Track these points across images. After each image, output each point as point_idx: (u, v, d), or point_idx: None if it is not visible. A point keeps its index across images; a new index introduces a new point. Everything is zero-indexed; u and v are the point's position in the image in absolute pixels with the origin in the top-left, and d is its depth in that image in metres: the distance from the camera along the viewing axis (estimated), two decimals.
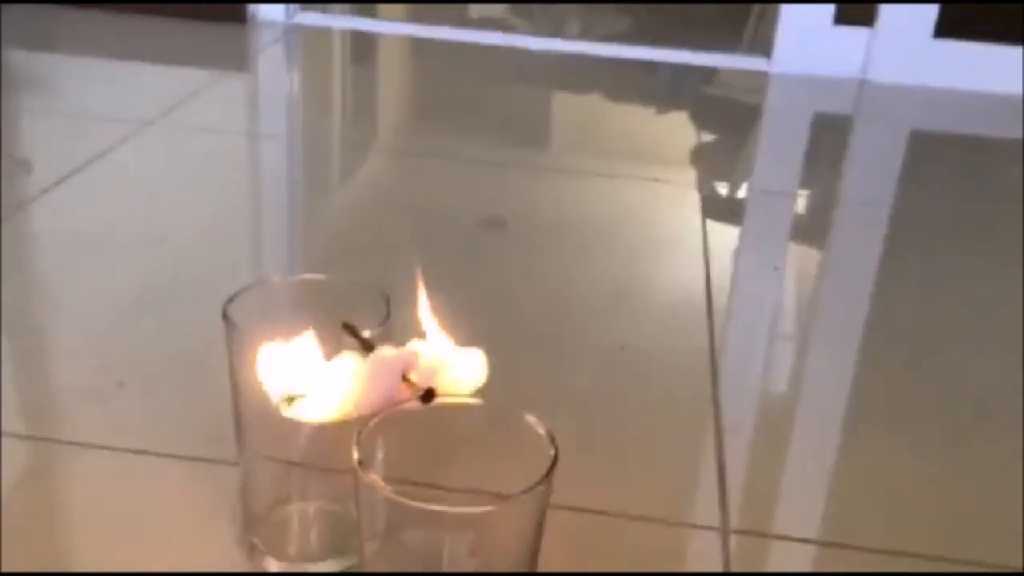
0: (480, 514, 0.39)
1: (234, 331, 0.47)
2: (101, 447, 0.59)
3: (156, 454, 0.58)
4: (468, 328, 0.45)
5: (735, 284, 0.88)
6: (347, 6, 1.95)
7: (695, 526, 0.56)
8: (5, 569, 0.44)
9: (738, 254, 0.95)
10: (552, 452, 0.39)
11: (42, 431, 0.61)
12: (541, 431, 0.40)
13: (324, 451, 0.49)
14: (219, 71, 1.38)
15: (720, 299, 0.83)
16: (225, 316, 0.47)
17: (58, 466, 0.59)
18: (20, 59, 1.36)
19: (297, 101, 1.37)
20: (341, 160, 1.19)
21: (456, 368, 0.43)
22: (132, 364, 0.67)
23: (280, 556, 0.51)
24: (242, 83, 1.40)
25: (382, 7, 2.08)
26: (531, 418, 0.40)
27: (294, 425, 0.44)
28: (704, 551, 0.55)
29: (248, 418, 0.49)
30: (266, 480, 0.51)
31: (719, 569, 0.53)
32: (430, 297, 0.45)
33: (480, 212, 0.98)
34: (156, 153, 1.06)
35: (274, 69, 1.48)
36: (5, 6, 1.50)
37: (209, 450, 0.58)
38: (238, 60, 1.46)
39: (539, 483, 0.38)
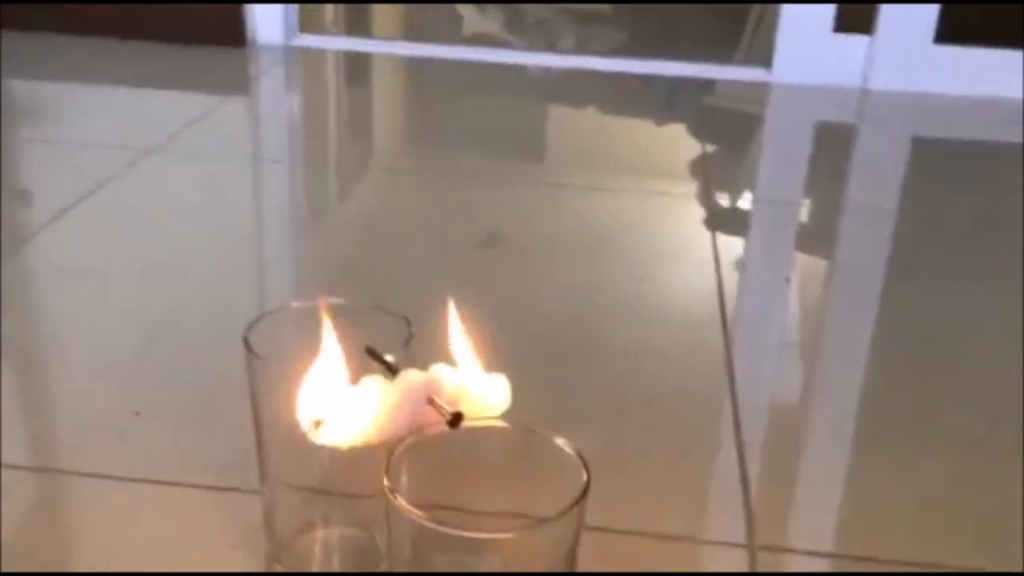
0: (512, 539, 0.38)
1: (255, 358, 0.46)
2: (118, 478, 0.58)
3: (175, 484, 0.58)
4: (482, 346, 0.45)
5: (745, 295, 0.88)
6: (343, 28, 1.96)
7: (722, 543, 0.56)
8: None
9: (746, 265, 0.95)
10: (584, 476, 0.38)
11: (56, 463, 0.61)
12: (571, 453, 0.40)
13: (347, 477, 0.49)
14: (220, 95, 1.38)
15: (731, 311, 0.82)
16: (246, 343, 0.47)
17: (74, 499, 0.58)
18: (19, 88, 1.36)
19: (297, 123, 1.37)
20: (341, 181, 1.19)
21: (480, 392, 0.42)
22: (146, 394, 0.67)
23: None
24: (243, 107, 1.40)
25: (377, 26, 2.09)
26: (560, 440, 0.40)
27: (317, 451, 0.44)
28: (732, 568, 0.54)
29: (271, 445, 0.48)
30: (290, 507, 0.51)
31: None
32: (460, 321, 0.44)
33: (480, 229, 0.98)
34: (158, 181, 1.06)
35: (274, 92, 1.48)
36: (4, 33, 1.50)
37: (229, 479, 0.57)
38: (239, 84, 1.46)
39: (572, 506, 0.37)
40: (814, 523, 0.58)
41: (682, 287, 0.90)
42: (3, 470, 0.58)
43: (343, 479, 0.49)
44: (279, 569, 0.51)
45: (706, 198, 1.11)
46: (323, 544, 0.52)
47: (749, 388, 0.71)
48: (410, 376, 0.41)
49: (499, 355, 0.44)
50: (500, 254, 0.94)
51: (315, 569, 0.51)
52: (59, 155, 1.11)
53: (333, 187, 1.17)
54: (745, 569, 0.54)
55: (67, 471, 0.60)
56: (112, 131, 1.19)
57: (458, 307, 0.45)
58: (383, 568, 0.42)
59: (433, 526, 0.37)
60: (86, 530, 0.56)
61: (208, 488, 0.57)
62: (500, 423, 0.42)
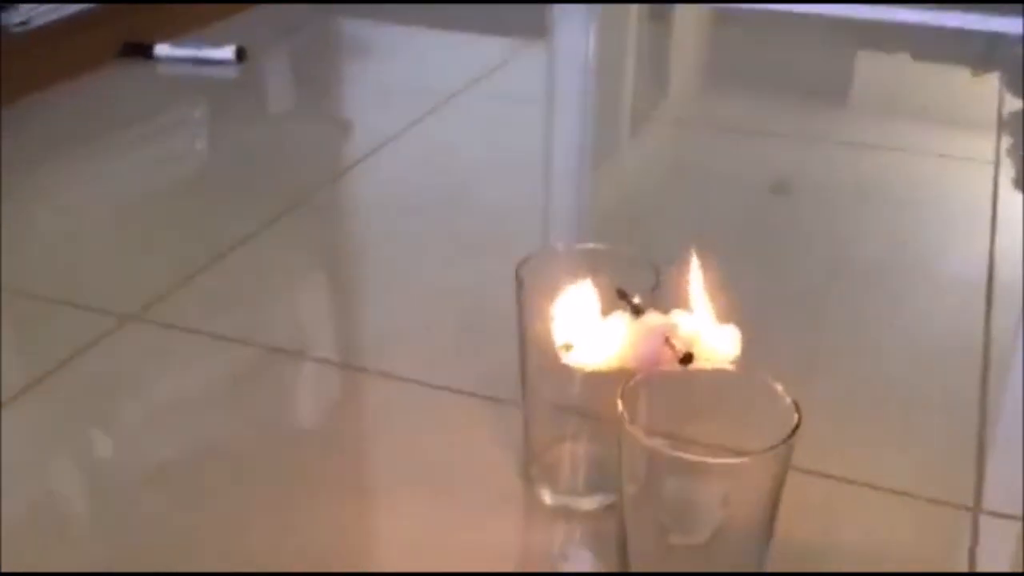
0: (729, 465, 0.43)
1: (523, 290, 0.54)
2: (408, 380, 0.69)
3: (454, 390, 0.67)
4: (738, 296, 0.50)
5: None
6: None
7: (945, 503, 0.58)
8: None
9: None
10: (796, 418, 0.43)
11: (358, 362, 0.72)
12: (787, 399, 0.44)
13: (594, 400, 0.55)
14: (522, 39, 1.46)
15: (1004, 277, 0.81)
16: (517, 276, 0.54)
17: (369, 393, 0.69)
18: (348, 26, 1.51)
19: (593, 69, 1.43)
20: (634, 126, 1.24)
21: (712, 340, 0.47)
22: (438, 310, 0.77)
23: (553, 488, 0.58)
24: (542, 50, 1.48)
25: None
26: (778, 386, 0.45)
27: (571, 375, 0.51)
28: (951, 529, 0.57)
29: (532, 366, 0.56)
30: (544, 422, 0.58)
31: (965, 548, 0.55)
32: (703, 271, 0.50)
33: (768, 178, 1.00)
34: (462, 121, 1.16)
35: (573, 35, 1.55)
36: None
37: (499, 391, 0.65)
38: (539, 28, 1.54)
39: (784, 442, 0.42)
40: None
41: (956, 249, 0.89)
42: (314, 364, 0.70)
43: (590, 401, 0.56)
44: (533, 471, 0.59)
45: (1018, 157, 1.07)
46: (570, 457, 0.59)
47: (1003, 357, 0.72)
48: (651, 317, 0.47)
49: (752, 302, 0.48)
50: (783, 204, 0.97)
51: (562, 477, 0.59)
52: (377, 95, 1.24)
53: (625, 131, 1.23)
54: (966, 531, 0.56)
55: (365, 369, 0.71)
56: (424, 74, 1.31)
57: (717, 250, 0.50)
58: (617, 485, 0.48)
59: (657, 447, 0.43)
60: (373, 418, 0.67)
61: (482, 397, 0.66)
62: (727, 366, 0.47)
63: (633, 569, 0.48)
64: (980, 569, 0.54)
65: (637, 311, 0.48)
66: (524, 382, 0.57)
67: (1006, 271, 0.83)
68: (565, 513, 0.57)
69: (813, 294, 0.80)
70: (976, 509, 0.57)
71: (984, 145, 1.09)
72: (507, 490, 0.59)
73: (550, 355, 0.50)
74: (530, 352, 0.55)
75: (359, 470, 0.62)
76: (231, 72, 1.25)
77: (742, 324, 0.49)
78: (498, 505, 0.58)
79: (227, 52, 1.24)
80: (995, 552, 0.56)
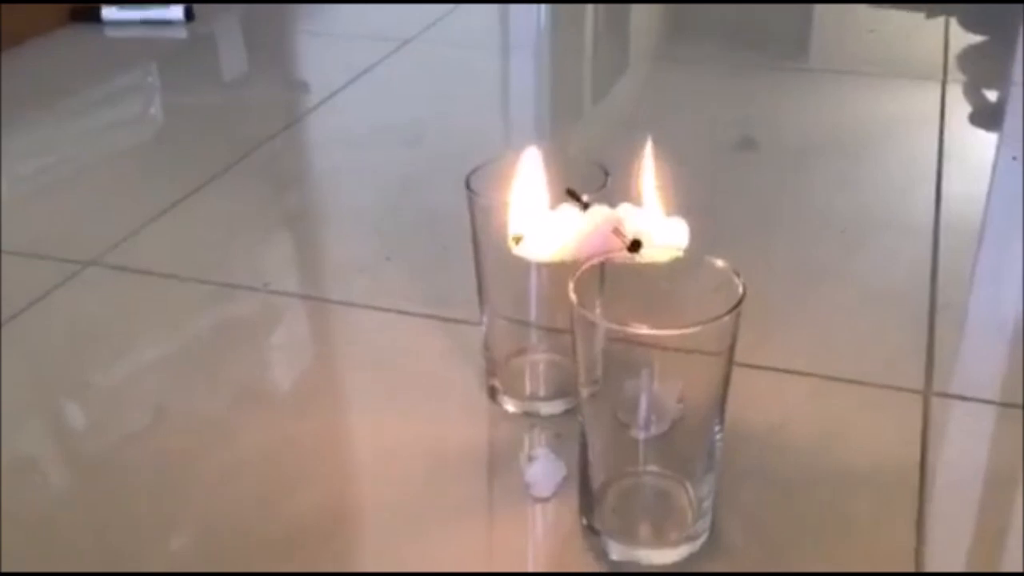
0: (676, 337, 0.44)
1: (474, 198, 0.55)
2: (370, 307, 0.69)
3: (414, 314, 0.68)
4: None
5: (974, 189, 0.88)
6: None
7: (897, 388, 0.60)
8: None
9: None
10: (740, 289, 0.44)
11: (321, 293, 0.73)
12: (733, 275, 0.45)
13: (549, 312, 0.57)
14: None
15: (953, 200, 0.83)
16: (467, 186, 0.55)
17: (333, 322, 0.70)
18: None
19: (548, 15, 1.43)
20: (591, 75, 1.25)
21: (661, 231, 0.49)
22: (395, 241, 0.77)
23: (516, 396, 0.59)
24: None
25: None
26: (724, 264, 0.46)
27: (525, 273, 0.52)
28: (903, 411, 0.58)
29: (487, 275, 0.57)
30: (503, 335, 0.59)
31: (918, 429, 0.57)
32: (655, 167, 0.51)
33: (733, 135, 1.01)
34: (415, 67, 1.16)
35: None
36: None
37: (456, 312, 0.67)
38: None
39: (729, 312, 0.43)
40: (996, 376, 0.61)
41: (905, 168, 0.91)
42: (279, 296, 0.71)
43: (547, 314, 0.57)
44: (495, 383, 0.60)
45: (973, 94, 1.09)
46: (531, 366, 0.60)
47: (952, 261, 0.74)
48: (599, 209, 0.48)
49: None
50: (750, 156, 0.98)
51: (525, 384, 0.60)
52: (330, 46, 1.24)
53: (587, 79, 1.23)
54: (917, 413, 0.58)
55: (327, 299, 0.72)
56: (375, 24, 1.31)
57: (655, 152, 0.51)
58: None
59: (612, 325, 0.44)
60: (336, 347, 0.68)
61: (441, 319, 0.67)
62: (673, 252, 0.48)
63: (593, 465, 0.49)
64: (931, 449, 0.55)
65: (584, 206, 0.49)
66: (481, 294, 0.58)
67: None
68: (528, 420, 0.58)
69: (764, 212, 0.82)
70: (926, 392, 0.59)
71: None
72: (472, 403, 0.60)
73: (503, 259, 0.51)
74: (484, 260, 0.56)
75: (328, 393, 0.63)
76: (180, 32, 1.24)
77: (691, 218, 0.51)
78: (464, 416, 0.59)
79: (176, 12, 1.24)
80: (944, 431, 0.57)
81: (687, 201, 0.52)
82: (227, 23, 1.30)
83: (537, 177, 0.50)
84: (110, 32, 1.25)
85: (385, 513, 0.53)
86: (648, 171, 0.51)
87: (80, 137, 0.99)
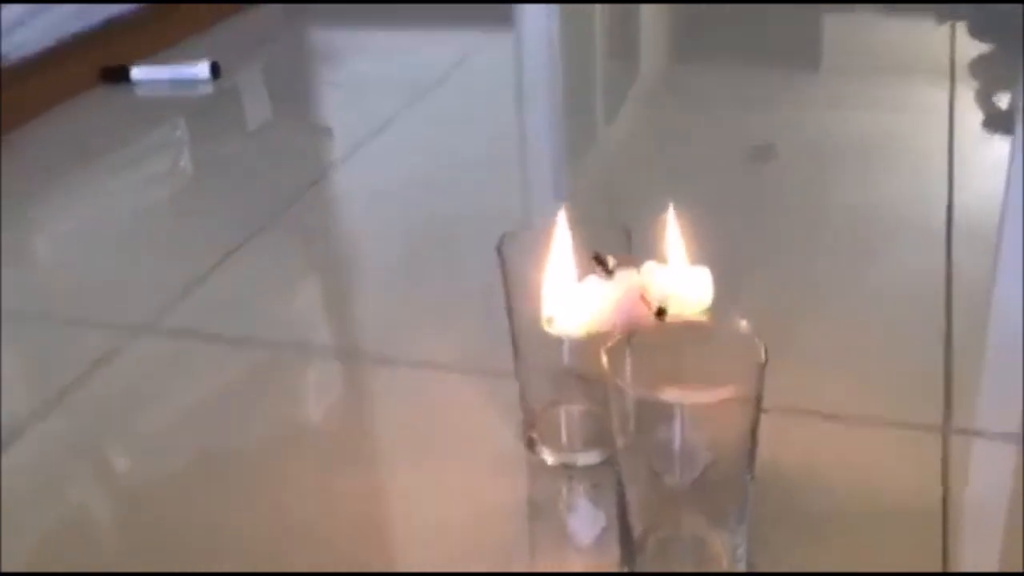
0: (704, 405, 0.47)
1: (506, 265, 0.58)
2: (407, 363, 0.73)
3: (451, 369, 0.71)
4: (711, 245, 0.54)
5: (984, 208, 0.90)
6: None
7: (916, 426, 0.62)
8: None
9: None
10: (763, 357, 0.47)
11: (358, 351, 0.76)
12: (755, 341, 0.48)
13: (583, 363, 0.59)
14: (489, 29, 1.49)
15: (964, 221, 0.86)
16: (499, 252, 0.58)
17: (371, 380, 0.73)
18: (318, 34, 1.54)
19: (559, 49, 1.46)
20: (606, 102, 1.28)
21: (685, 287, 0.51)
22: (429, 294, 0.81)
23: (553, 447, 0.62)
24: (509, 39, 1.51)
25: None
26: (747, 330, 0.49)
27: (558, 342, 0.55)
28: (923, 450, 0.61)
29: (521, 337, 0.60)
30: (538, 387, 0.62)
31: (936, 468, 0.59)
32: (677, 221, 0.54)
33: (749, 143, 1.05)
34: (434, 116, 1.19)
35: (538, 20, 1.57)
36: None
37: (493, 365, 0.69)
38: (504, 17, 1.56)
39: (751, 382, 0.46)
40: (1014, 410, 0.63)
41: (918, 191, 0.93)
42: (316, 356, 0.75)
43: (579, 364, 0.60)
44: (533, 435, 0.63)
45: (984, 100, 1.11)
46: (567, 417, 0.63)
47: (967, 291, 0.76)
48: (624, 276, 0.51)
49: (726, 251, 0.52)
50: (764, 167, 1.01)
51: (561, 436, 0.63)
52: (351, 96, 1.27)
53: (599, 109, 1.26)
54: (936, 451, 0.60)
55: (366, 357, 0.75)
56: (392, 72, 1.34)
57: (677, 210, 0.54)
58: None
59: (643, 394, 0.47)
60: (379, 402, 0.71)
61: (475, 372, 0.70)
62: (700, 315, 0.51)
63: (632, 513, 0.52)
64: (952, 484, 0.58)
65: (610, 273, 0.52)
66: (516, 352, 0.61)
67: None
68: (566, 470, 0.61)
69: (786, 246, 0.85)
70: (945, 430, 0.62)
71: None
72: (511, 455, 0.63)
73: (537, 325, 0.54)
74: (518, 323, 0.59)
75: (369, 449, 0.66)
76: (207, 89, 1.28)
77: (716, 270, 0.53)
78: (504, 468, 0.62)
79: (202, 69, 1.28)
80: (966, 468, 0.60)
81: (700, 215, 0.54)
82: (250, 77, 1.34)
83: (565, 249, 0.53)
84: (140, 91, 1.28)
85: (427, 566, 0.55)
86: (672, 230, 0.54)
87: (113, 198, 1.03)
